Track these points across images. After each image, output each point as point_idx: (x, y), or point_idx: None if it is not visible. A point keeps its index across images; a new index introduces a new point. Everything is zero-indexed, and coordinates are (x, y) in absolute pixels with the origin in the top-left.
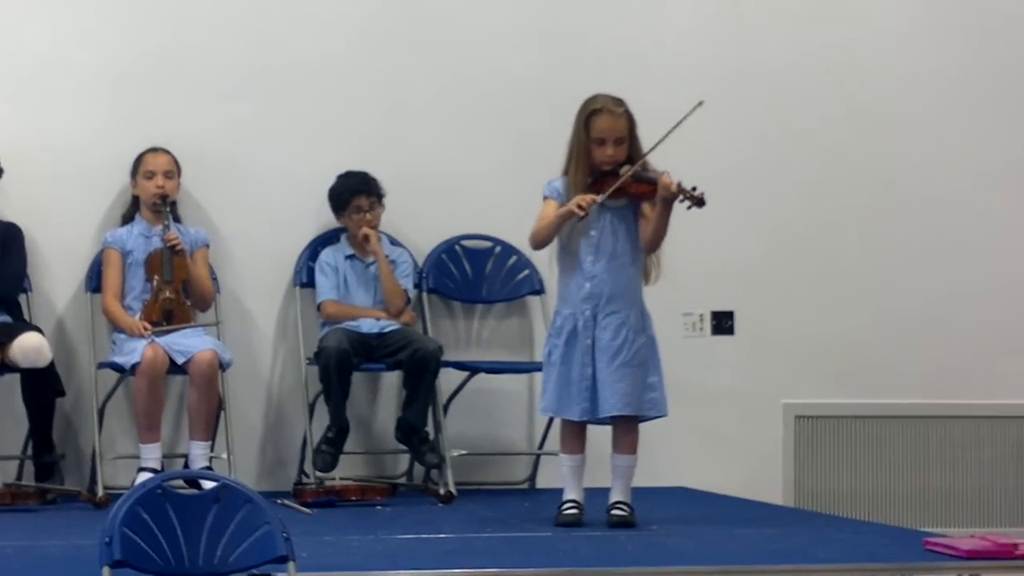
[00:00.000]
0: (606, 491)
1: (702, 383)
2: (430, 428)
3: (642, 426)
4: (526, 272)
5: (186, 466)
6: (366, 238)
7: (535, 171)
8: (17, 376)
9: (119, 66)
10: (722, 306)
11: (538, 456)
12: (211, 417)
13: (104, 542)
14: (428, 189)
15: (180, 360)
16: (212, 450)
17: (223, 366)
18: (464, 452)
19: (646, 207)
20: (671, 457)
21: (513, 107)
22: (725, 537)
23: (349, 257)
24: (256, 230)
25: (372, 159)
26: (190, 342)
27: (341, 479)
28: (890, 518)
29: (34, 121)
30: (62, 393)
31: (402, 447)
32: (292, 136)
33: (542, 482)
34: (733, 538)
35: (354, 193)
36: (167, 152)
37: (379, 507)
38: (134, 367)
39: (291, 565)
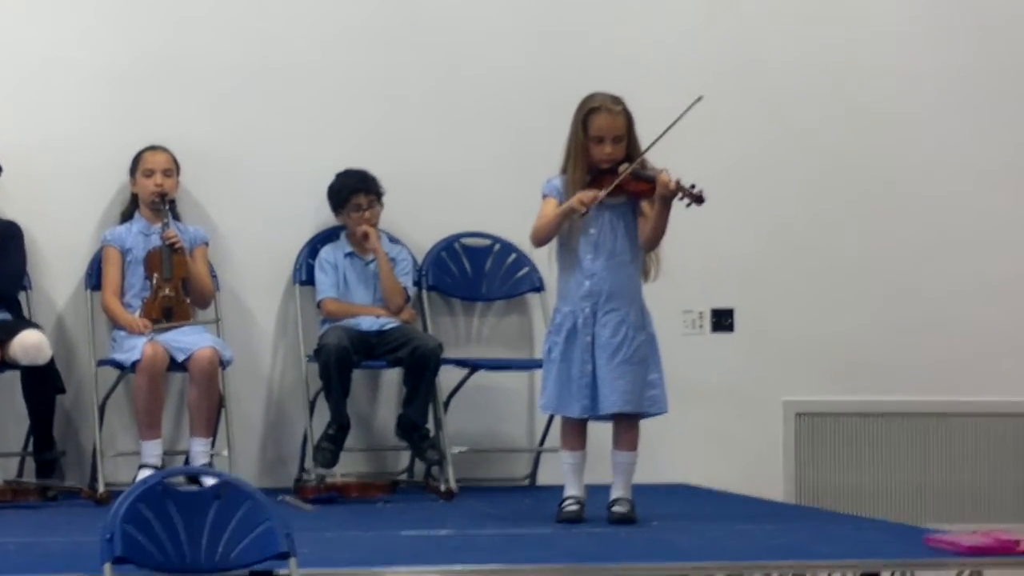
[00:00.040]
0: (607, 487)
1: (702, 380)
2: (431, 425)
3: (643, 423)
4: (526, 269)
5: (187, 463)
6: (365, 236)
7: (534, 169)
8: (17, 373)
9: (119, 66)
10: (722, 304)
11: (539, 453)
12: (212, 414)
13: (105, 539)
14: (427, 187)
15: (180, 357)
16: (213, 447)
17: (223, 363)
18: (465, 449)
19: (645, 205)
20: (672, 454)
21: (512, 105)
22: (726, 533)
23: (349, 255)
24: (255, 228)
25: (371, 157)
26: (190, 339)
27: (342, 476)
28: (891, 514)
29: (34, 120)
30: (62, 390)
31: (403, 444)
32: (291, 135)
33: (543, 479)
34: (734, 534)
35: (353, 191)
36: (166, 150)
37: (380, 504)
38: (134, 364)
39: (292, 561)
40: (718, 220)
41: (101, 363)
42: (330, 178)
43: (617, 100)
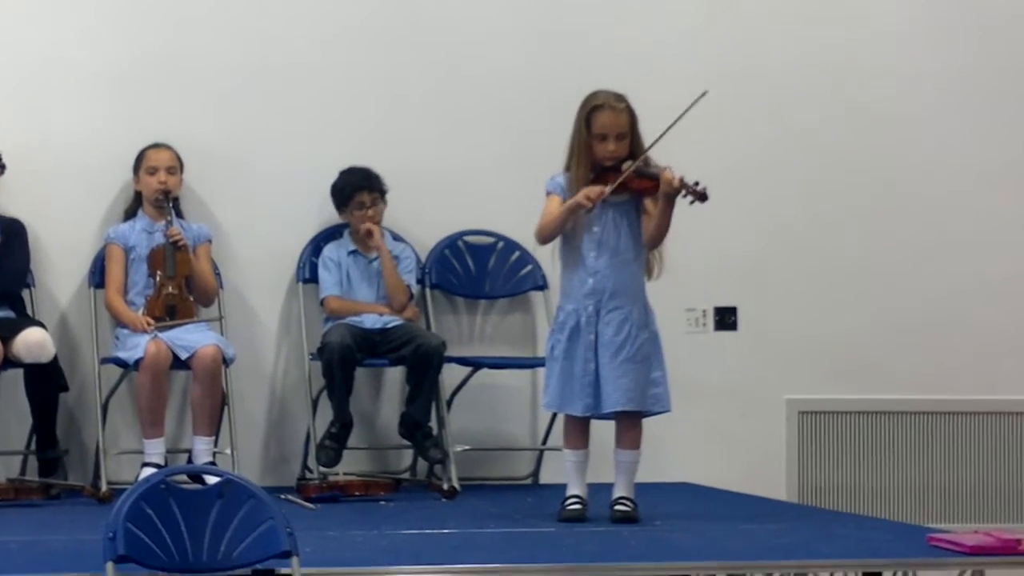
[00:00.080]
0: (609, 487)
1: (705, 379)
2: (433, 424)
3: (645, 422)
4: (529, 268)
5: (190, 461)
6: (369, 233)
7: (537, 167)
8: (20, 371)
9: (119, 66)
10: (725, 302)
11: (541, 452)
12: (214, 412)
13: (108, 537)
14: (430, 185)
15: (183, 355)
16: (216, 445)
17: (226, 361)
18: (468, 448)
19: (648, 203)
20: (674, 453)
21: (514, 103)
22: (728, 532)
23: (352, 253)
24: (259, 226)
25: (374, 156)
26: (193, 337)
27: (345, 474)
28: (893, 514)
29: (35, 120)
30: (65, 388)
31: (406, 443)
32: (293, 134)
33: (545, 477)
34: (736, 533)
35: (356, 189)
36: (169, 148)
37: (383, 502)
38: (137, 362)
39: (295, 560)
40: (720, 219)
41: (104, 361)
42: (333, 176)
43: (620, 97)
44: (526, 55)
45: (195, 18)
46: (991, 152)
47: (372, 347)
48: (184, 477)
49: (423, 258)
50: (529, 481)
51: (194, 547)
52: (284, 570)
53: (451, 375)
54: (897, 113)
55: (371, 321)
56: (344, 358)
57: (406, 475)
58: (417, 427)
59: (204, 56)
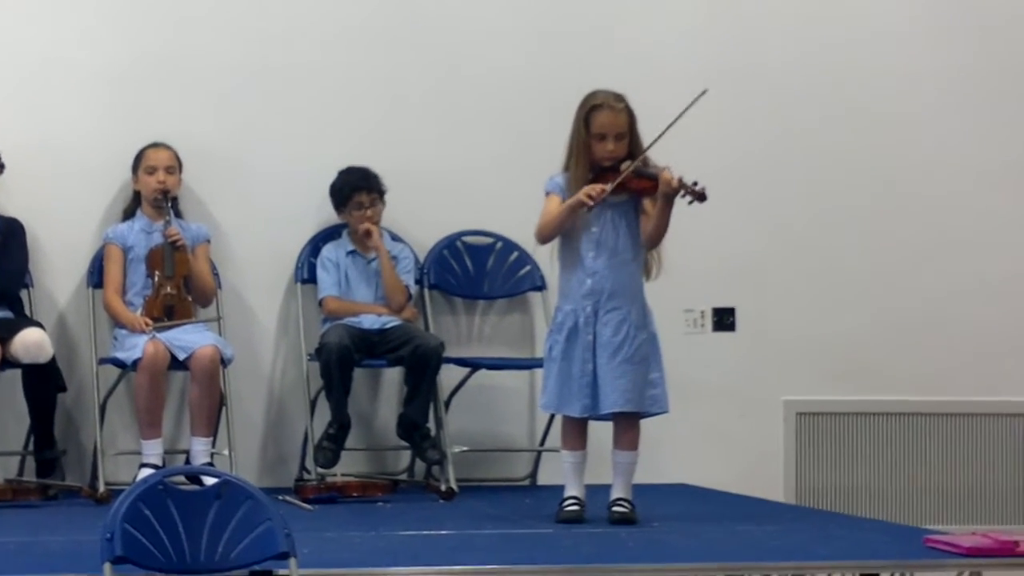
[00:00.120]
0: (607, 487)
1: (703, 380)
2: (431, 424)
3: (643, 423)
4: (527, 268)
5: (187, 462)
6: (367, 234)
7: (536, 167)
8: (18, 372)
9: (119, 66)
10: (723, 303)
11: (539, 452)
12: (212, 413)
13: (105, 538)
14: (429, 185)
15: (181, 356)
16: (213, 446)
17: (224, 362)
18: (465, 448)
19: (647, 203)
20: (672, 454)
21: (513, 103)
22: (726, 534)
23: (350, 253)
24: (257, 226)
25: (373, 156)
26: (191, 338)
27: (342, 475)
28: (890, 515)
29: (35, 120)
30: (63, 389)
31: (403, 443)
32: (292, 134)
33: (543, 478)
34: (734, 535)
35: (355, 189)
36: (168, 148)
37: (380, 503)
38: (135, 363)
39: (292, 561)
40: (719, 219)
41: (102, 361)
42: (332, 176)
43: (619, 97)
44: (526, 55)
45: (195, 18)
46: (991, 152)
47: (370, 348)
48: (182, 478)
49: (422, 258)
50: (527, 482)
51: (192, 548)
52: (282, 571)
53: (449, 376)
54: (897, 113)
55: (369, 322)
56: (342, 359)
57: (404, 476)
58: (415, 428)
59: (204, 56)
